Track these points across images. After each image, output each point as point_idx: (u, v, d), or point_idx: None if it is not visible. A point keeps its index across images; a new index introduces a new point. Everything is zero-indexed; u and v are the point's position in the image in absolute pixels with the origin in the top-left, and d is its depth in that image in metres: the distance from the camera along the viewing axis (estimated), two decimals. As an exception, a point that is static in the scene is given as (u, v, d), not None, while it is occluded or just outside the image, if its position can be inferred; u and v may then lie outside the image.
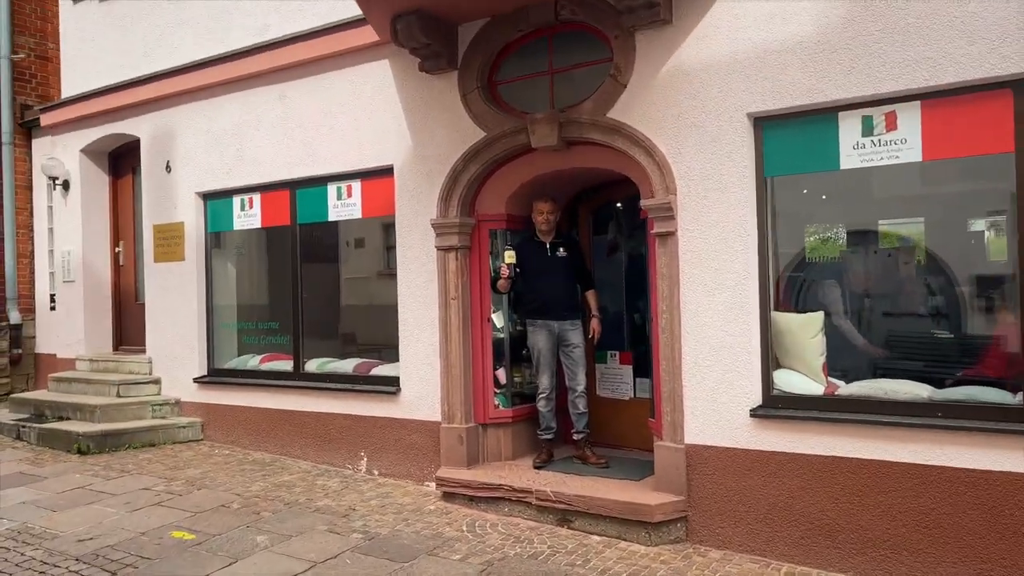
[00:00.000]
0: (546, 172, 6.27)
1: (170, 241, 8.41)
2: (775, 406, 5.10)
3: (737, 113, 5.16)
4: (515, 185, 6.43)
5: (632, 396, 6.87)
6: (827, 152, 4.95)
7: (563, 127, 5.85)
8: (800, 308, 5.37)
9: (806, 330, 5.14)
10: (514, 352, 6.74)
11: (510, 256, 6.14)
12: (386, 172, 6.88)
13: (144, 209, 8.76)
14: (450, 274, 6.42)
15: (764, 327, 5.16)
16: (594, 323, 6.40)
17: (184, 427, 8.16)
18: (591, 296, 6.47)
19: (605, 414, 6.89)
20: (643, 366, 6.86)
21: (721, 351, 5.22)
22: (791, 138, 5.09)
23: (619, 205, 7.05)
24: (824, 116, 4.94)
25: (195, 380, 8.23)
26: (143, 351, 8.82)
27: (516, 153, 6.25)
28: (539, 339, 6.27)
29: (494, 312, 6.61)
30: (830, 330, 5.17)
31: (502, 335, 6.64)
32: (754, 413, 5.08)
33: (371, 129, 6.92)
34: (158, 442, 8.00)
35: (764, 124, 5.16)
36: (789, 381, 5.17)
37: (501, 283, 6.23)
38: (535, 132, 5.92)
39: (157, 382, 8.56)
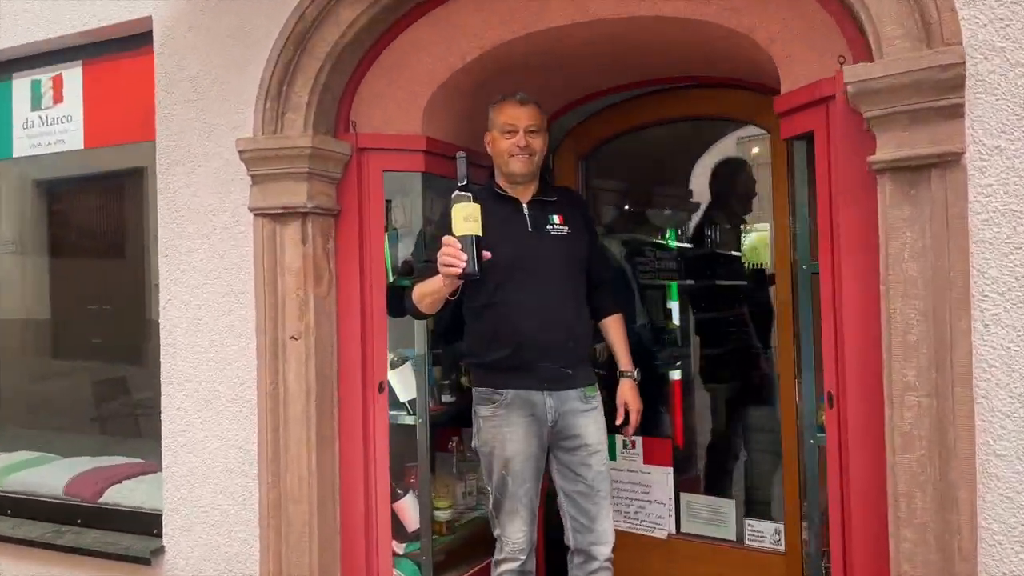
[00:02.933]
0: (528, 34, 2.59)
1: None
2: None
3: None
4: (446, 70, 2.69)
5: (674, 532, 3.30)
6: None
7: None
8: None
9: None
10: (437, 449, 3.01)
11: (468, 213, 2.24)
12: (138, 40, 2.96)
13: None
14: (287, 276, 2.61)
15: None
16: (626, 390, 2.74)
17: None
18: (615, 327, 2.81)
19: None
20: (693, 467, 3.39)
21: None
22: None
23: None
24: None
25: None
26: None
27: (457, -22, 2.55)
28: (507, 435, 2.51)
29: (395, 367, 2.84)
30: None
31: (412, 420, 2.86)
32: None
33: (103, -61, 2.99)
34: None
35: None
36: None
37: (435, 291, 2.40)
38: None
39: None
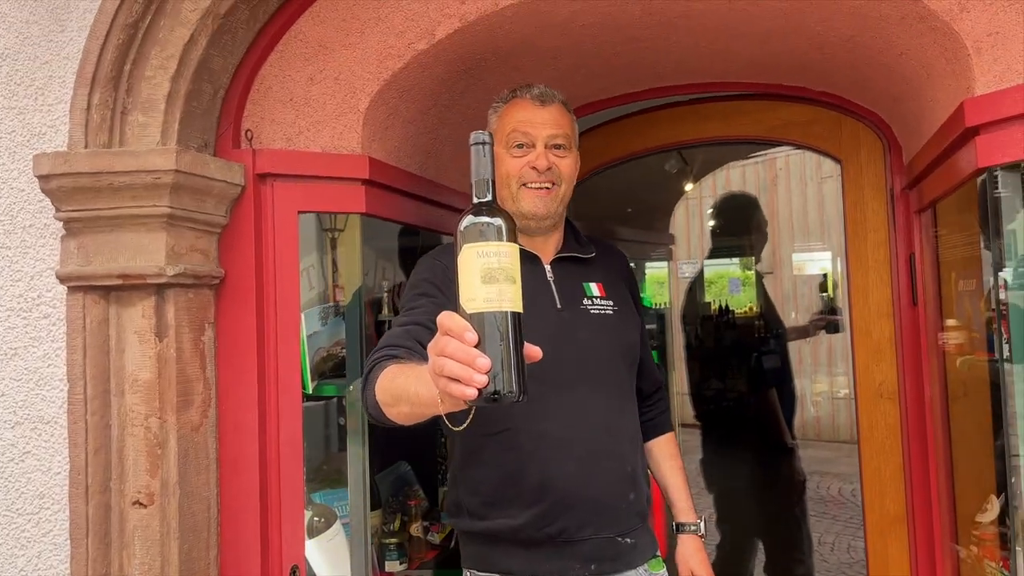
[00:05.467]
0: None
1: None
2: None
3: None
4: (402, 53, 1.67)
5: None
6: None
7: None
8: None
9: None
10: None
11: (492, 266, 0.95)
12: None
13: None
14: (130, 396, 1.47)
15: None
16: (691, 553, 1.72)
17: None
18: (669, 454, 1.79)
19: None
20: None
21: None
22: None
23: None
24: None
25: None
26: None
27: None
28: None
29: (316, 534, 1.73)
30: None
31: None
32: None
33: None
34: None
35: None
36: None
37: (420, 401, 1.10)
38: None
39: None
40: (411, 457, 2.43)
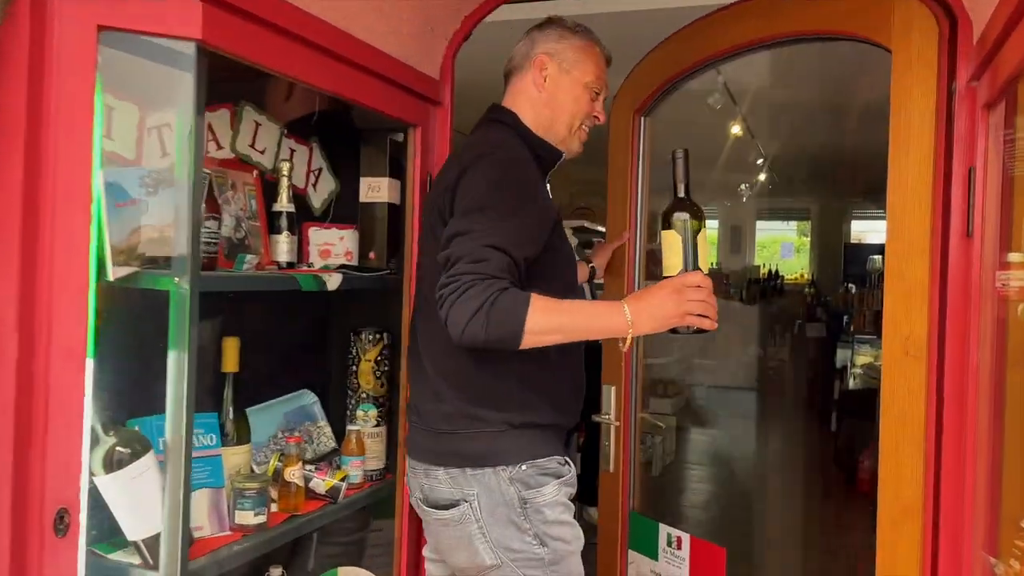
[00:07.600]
0: None
1: None
2: None
3: None
4: None
5: None
6: None
7: None
8: None
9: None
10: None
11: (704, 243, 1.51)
12: None
13: None
14: None
15: None
16: None
17: None
18: None
19: None
20: None
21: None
22: None
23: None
24: None
25: None
26: None
27: None
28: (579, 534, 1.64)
29: (119, 466, 1.28)
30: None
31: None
32: None
33: None
34: None
35: None
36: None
37: (608, 327, 1.51)
38: None
39: None
40: (314, 387, 2.02)
